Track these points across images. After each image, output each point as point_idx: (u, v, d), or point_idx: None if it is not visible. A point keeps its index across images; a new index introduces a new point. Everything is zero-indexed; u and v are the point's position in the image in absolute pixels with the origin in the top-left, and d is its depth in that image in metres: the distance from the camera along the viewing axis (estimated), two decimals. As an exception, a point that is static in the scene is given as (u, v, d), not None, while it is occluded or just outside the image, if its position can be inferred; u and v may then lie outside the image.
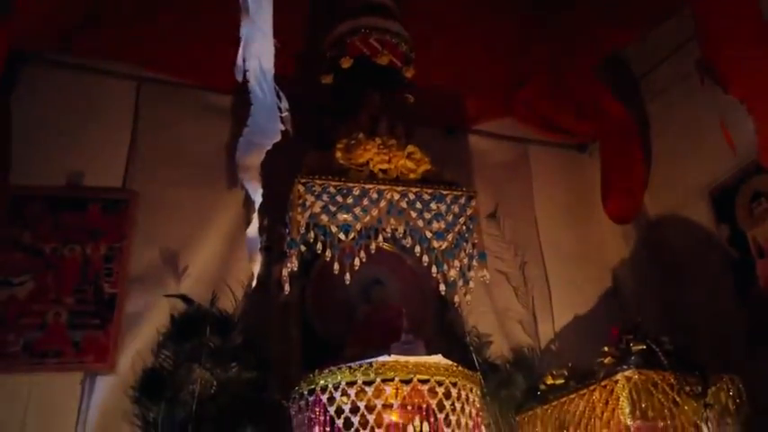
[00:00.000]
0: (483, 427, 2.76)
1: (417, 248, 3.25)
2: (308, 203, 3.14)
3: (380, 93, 3.60)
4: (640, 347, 2.93)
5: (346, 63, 3.51)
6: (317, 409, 2.61)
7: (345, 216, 3.17)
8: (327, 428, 2.57)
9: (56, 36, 3.58)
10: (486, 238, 3.65)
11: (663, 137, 4.34)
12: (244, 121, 2.69)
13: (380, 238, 3.22)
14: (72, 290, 3.37)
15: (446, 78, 4.11)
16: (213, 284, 3.53)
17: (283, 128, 2.65)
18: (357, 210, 3.19)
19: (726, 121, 3.55)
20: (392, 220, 3.24)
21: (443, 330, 3.61)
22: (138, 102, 3.82)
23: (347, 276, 3.07)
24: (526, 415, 3.35)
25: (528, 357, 3.88)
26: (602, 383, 2.91)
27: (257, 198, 2.79)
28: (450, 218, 3.31)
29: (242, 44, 2.51)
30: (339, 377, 2.59)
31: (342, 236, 3.13)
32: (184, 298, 3.43)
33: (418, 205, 3.28)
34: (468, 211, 3.35)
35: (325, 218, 3.15)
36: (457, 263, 3.29)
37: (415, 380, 2.55)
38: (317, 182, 3.18)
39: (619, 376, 2.84)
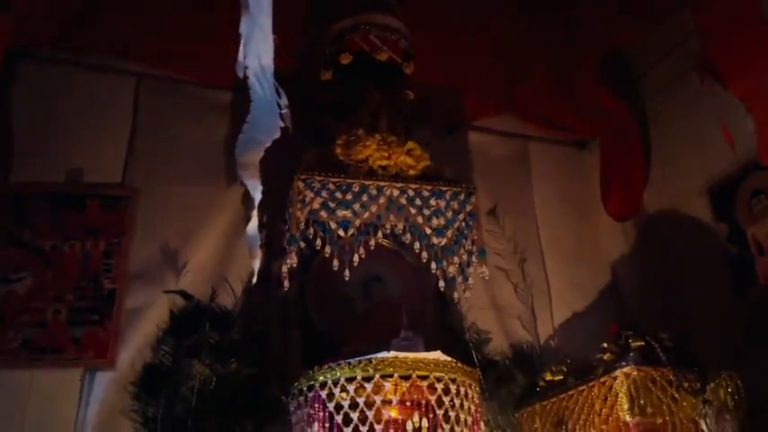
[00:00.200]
0: (482, 423, 2.76)
1: (417, 245, 3.25)
2: (307, 200, 3.14)
3: (380, 89, 3.60)
4: (639, 344, 2.92)
5: (346, 59, 3.51)
6: (317, 405, 2.61)
7: (345, 212, 3.17)
8: (326, 424, 2.57)
9: (55, 32, 3.58)
10: (485, 235, 3.65)
11: (662, 134, 4.34)
12: (243, 118, 2.70)
13: (380, 234, 3.23)
14: (71, 286, 3.37)
15: (446, 75, 4.11)
16: (213, 280, 3.53)
17: (283, 125, 2.66)
18: (356, 206, 3.19)
19: (725, 118, 3.55)
20: (391, 217, 3.25)
21: (443, 327, 3.61)
22: (138, 98, 3.82)
23: (346, 273, 3.08)
24: (525, 411, 3.35)
25: (527, 354, 3.87)
26: (601, 380, 2.91)
27: (257, 194, 2.80)
28: (449, 214, 3.31)
29: (242, 41, 2.51)
30: (338, 373, 2.59)
31: (341, 232, 3.13)
32: (184, 294, 3.43)
33: (418, 202, 3.28)
34: (468, 208, 3.35)
35: (324, 214, 3.15)
36: (456, 259, 3.28)
37: (414, 376, 2.56)
38: (317, 178, 3.18)
39: (617, 372, 2.84)
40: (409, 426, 2.54)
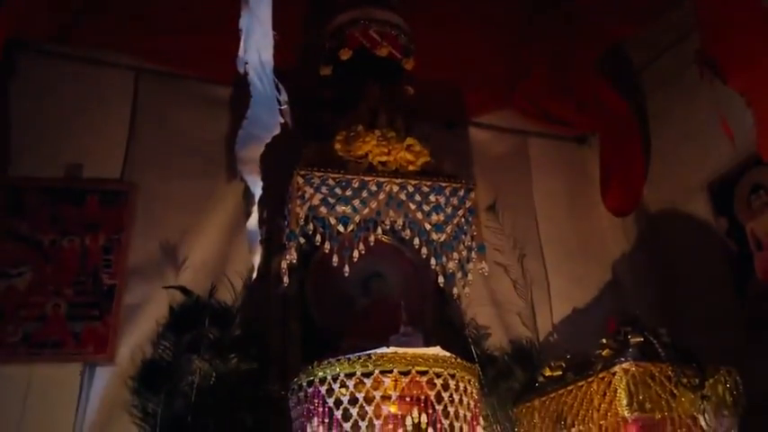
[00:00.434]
0: (481, 419, 2.77)
1: (416, 241, 3.25)
2: (307, 195, 3.14)
3: (380, 85, 3.59)
4: (638, 339, 2.93)
5: (345, 55, 3.50)
6: (316, 401, 2.61)
7: (344, 208, 3.17)
8: (326, 420, 2.57)
9: (54, 26, 3.57)
10: (484, 231, 3.65)
11: (662, 129, 4.34)
12: (243, 114, 2.69)
13: (379, 230, 3.22)
14: (71, 281, 3.37)
15: (446, 70, 4.10)
16: (212, 276, 3.53)
17: (282, 120, 2.65)
18: (356, 202, 3.19)
19: (725, 113, 3.55)
20: (391, 213, 3.24)
21: (442, 322, 3.61)
22: (138, 93, 3.81)
23: (346, 268, 3.07)
24: (524, 406, 3.36)
25: (526, 349, 3.88)
26: (600, 375, 2.91)
27: (257, 190, 2.79)
28: (449, 210, 3.31)
29: (242, 36, 2.50)
30: (338, 369, 2.59)
31: (341, 228, 3.13)
32: (183, 289, 3.44)
33: (417, 197, 3.28)
34: (468, 204, 3.35)
35: (324, 210, 3.15)
36: (456, 255, 3.28)
37: (413, 371, 2.55)
38: (317, 174, 3.18)
39: (616, 368, 2.84)
40: (408, 421, 2.54)
